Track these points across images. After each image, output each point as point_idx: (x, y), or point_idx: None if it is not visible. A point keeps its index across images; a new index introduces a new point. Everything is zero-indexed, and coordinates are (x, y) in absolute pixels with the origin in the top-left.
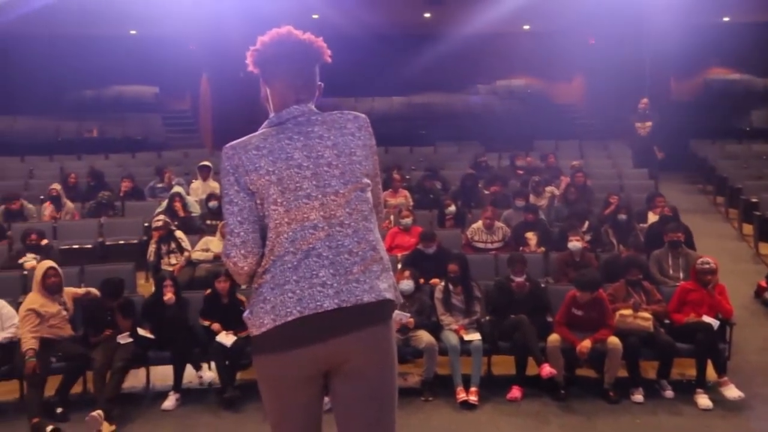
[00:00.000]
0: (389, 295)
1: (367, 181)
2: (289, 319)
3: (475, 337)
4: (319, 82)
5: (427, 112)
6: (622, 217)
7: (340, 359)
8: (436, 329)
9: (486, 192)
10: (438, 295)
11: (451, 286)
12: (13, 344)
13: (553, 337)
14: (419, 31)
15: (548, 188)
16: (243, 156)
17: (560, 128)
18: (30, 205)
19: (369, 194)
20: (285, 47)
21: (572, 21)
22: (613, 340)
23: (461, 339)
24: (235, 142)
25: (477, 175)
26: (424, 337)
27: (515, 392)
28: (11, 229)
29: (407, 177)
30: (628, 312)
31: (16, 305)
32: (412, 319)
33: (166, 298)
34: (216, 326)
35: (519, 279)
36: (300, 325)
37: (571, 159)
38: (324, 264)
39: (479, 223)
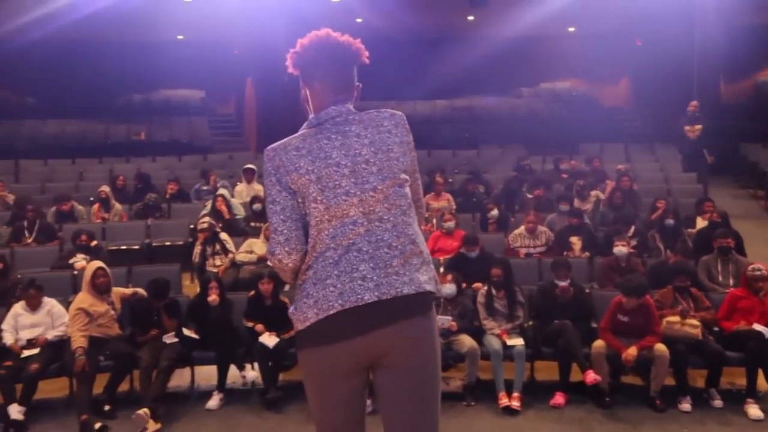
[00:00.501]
0: (429, 287)
1: (404, 176)
2: (331, 312)
3: (518, 342)
4: (358, 83)
5: (470, 115)
6: (670, 222)
7: (381, 352)
8: (478, 334)
9: (529, 196)
10: (480, 299)
11: (493, 291)
12: (64, 342)
13: (598, 344)
14: (462, 33)
15: (593, 192)
16: (283, 157)
17: (606, 131)
18: (80, 207)
19: (407, 190)
20: (324, 49)
21: (618, 22)
22: (660, 348)
23: (504, 344)
24: (275, 144)
25: (520, 178)
26: (467, 341)
27: (559, 398)
28: (62, 229)
29: (450, 180)
30: (675, 319)
31: (67, 304)
32: (454, 323)
33: (210, 299)
34: (259, 327)
35: (563, 284)
36: (341, 318)
37: (617, 162)
38: (364, 258)
39: (522, 228)
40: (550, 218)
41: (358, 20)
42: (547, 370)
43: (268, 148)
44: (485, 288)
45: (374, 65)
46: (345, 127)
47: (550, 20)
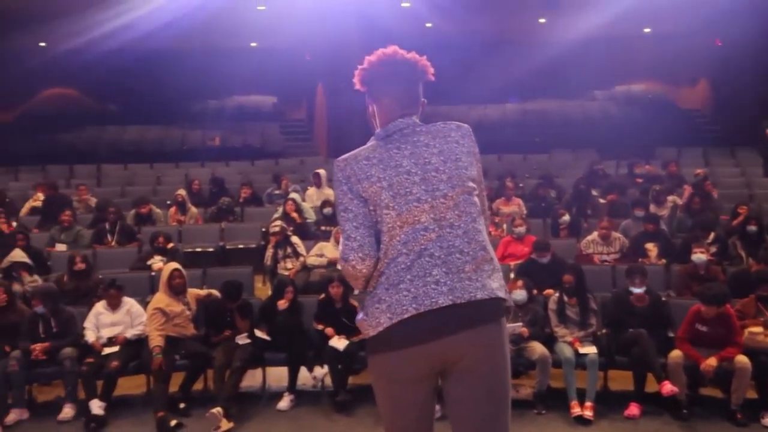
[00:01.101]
0: (501, 294)
1: (473, 185)
2: (405, 316)
3: (590, 350)
4: (423, 99)
5: (541, 118)
6: (752, 228)
7: (454, 357)
8: (549, 341)
9: (602, 201)
10: (552, 305)
11: (565, 297)
12: (142, 341)
13: (675, 354)
14: (533, 36)
15: (670, 197)
16: (354, 166)
17: (683, 134)
18: (158, 210)
19: (476, 198)
20: (391, 66)
21: (697, 22)
22: (742, 359)
23: (576, 351)
24: (345, 155)
25: (593, 183)
26: (538, 348)
27: (633, 409)
28: (141, 232)
29: (521, 185)
30: (758, 329)
31: (144, 304)
32: (525, 329)
33: (280, 303)
34: (329, 330)
35: (638, 291)
36: (415, 322)
37: (695, 167)
38: (437, 263)
39: (595, 234)
40: (625, 224)
41: (428, 25)
42: (621, 380)
43: (339, 159)
44: (557, 294)
45: (444, 69)
46: (413, 138)
47: (624, 21)
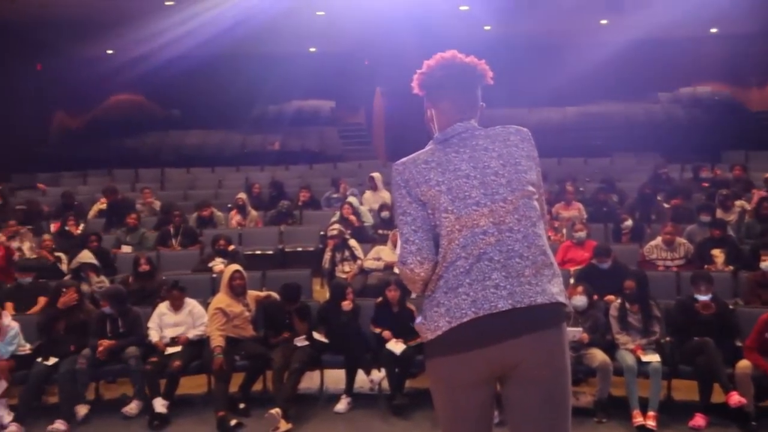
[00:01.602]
0: (561, 299)
1: (532, 189)
2: (464, 320)
3: (653, 358)
4: (482, 103)
5: (603, 121)
6: None
7: (514, 362)
8: (610, 348)
9: (666, 206)
10: (613, 312)
11: (627, 304)
12: (203, 341)
13: (743, 363)
14: (595, 38)
15: (738, 202)
16: (413, 170)
17: (751, 138)
18: (219, 213)
19: (536, 202)
20: (450, 71)
21: (765, 22)
22: None
23: (638, 359)
24: (403, 159)
25: (657, 187)
26: (598, 355)
27: (698, 420)
28: (203, 234)
29: (581, 189)
30: None
31: (206, 305)
32: (585, 335)
33: (345, 304)
34: (386, 334)
35: (704, 299)
36: (474, 326)
37: (765, 171)
38: (496, 267)
39: (658, 239)
40: (690, 229)
41: (487, 28)
42: (685, 390)
43: (397, 162)
44: (618, 301)
45: (503, 72)
46: (472, 142)
47: (690, 21)
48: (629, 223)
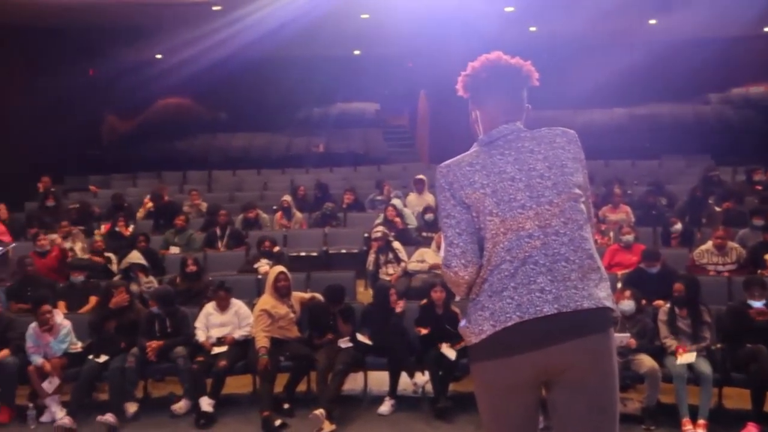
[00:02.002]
0: (608, 304)
1: (579, 192)
2: (509, 324)
3: (689, 358)
4: (527, 105)
5: (651, 123)
6: None
7: (560, 368)
8: (659, 354)
9: (717, 209)
10: (662, 317)
11: (676, 309)
12: (248, 342)
13: None
14: (643, 38)
15: None
16: (457, 172)
17: None
18: (264, 215)
19: (582, 205)
20: (495, 72)
21: None
22: None
23: (689, 366)
24: (448, 161)
25: (707, 190)
26: (646, 361)
27: (751, 429)
28: (248, 236)
29: (629, 192)
30: None
31: (251, 306)
32: (632, 340)
33: (398, 305)
34: (425, 331)
35: (758, 305)
36: (519, 330)
37: None
38: (541, 271)
39: (709, 244)
40: (742, 233)
41: (532, 29)
42: (737, 398)
43: (442, 165)
44: (667, 305)
45: (549, 73)
46: (518, 144)
47: (741, 20)
48: (679, 226)
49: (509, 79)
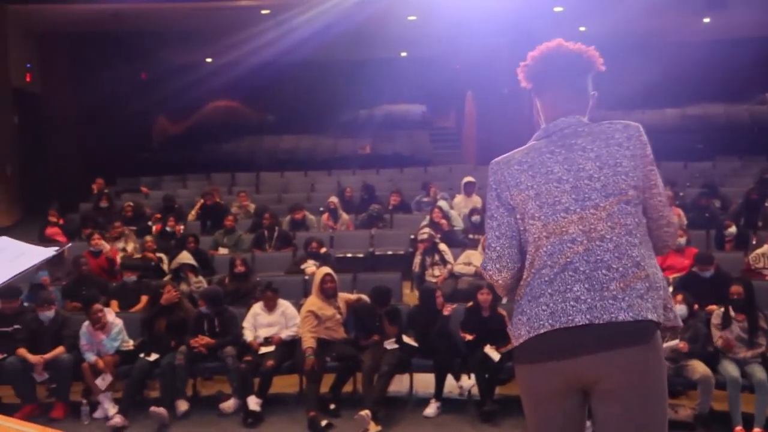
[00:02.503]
0: (651, 315)
1: (633, 193)
2: (541, 331)
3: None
4: (593, 92)
5: (704, 123)
6: None
7: (591, 378)
8: (712, 359)
9: None
10: (716, 321)
11: (732, 312)
12: (295, 342)
13: None
14: (696, 37)
15: None
16: (506, 171)
17: None
18: (311, 216)
19: (634, 208)
20: (556, 60)
21: None
22: None
23: (742, 373)
24: (501, 157)
25: (764, 192)
26: (699, 367)
27: None
28: (296, 237)
29: (681, 194)
30: None
31: (298, 306)
32: (684, 344)
33: (446, 308)
34: (469, 337)
35: None
36: (550, 339)
37: None
38: (579, 278)
39: (765, 247)
40: None
41: (582, 29)
42: None
43: (493, 161)
44: (721, 310)
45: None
46: (571, 140)
47: None
48: (733, 229)
49: (570, 66)
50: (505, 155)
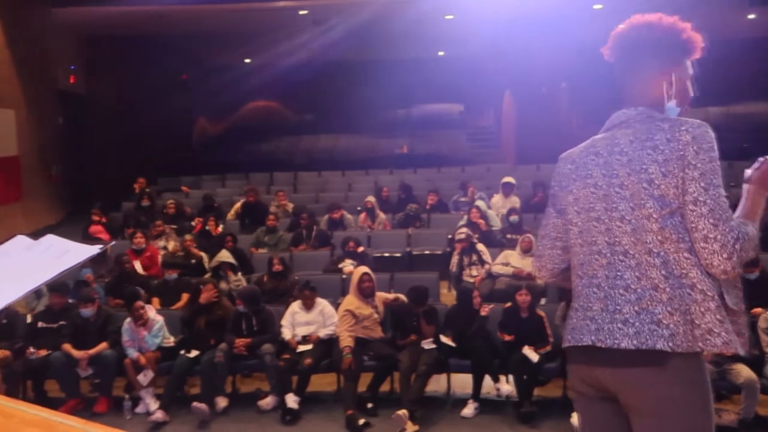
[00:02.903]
0: (662, 345)
1: (654, 206)
2: (564, 344)
3: None
4: (677, 77)
5: (749, 122)
6: None
7: (611, 389)
8: (758, 364)
9: None
10: (762, 324)
11: None
12: (333, 341)
13: None
14: (740, 33)
15: None
16: (562, 170)
17: None
18: (349, 215)
19: (658, 223)
20: (649, 35)
21: None
22: None
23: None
24: (566, 152)
25: None
26: (744, 371)
27: None
28: (333, 236)
29: (726, 195)
30: None
31: (336, 305)
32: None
33: (483, 309)
34: (509, 338)
35: None
36: (572, 349)
37: None
38: (599, 296)
39: None
40: None
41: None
42: None
43: (561, 155)
44: (767, 313)
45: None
46: (617, 140)
47: None
48: None
49: (657, 44)
50: (572, 149)
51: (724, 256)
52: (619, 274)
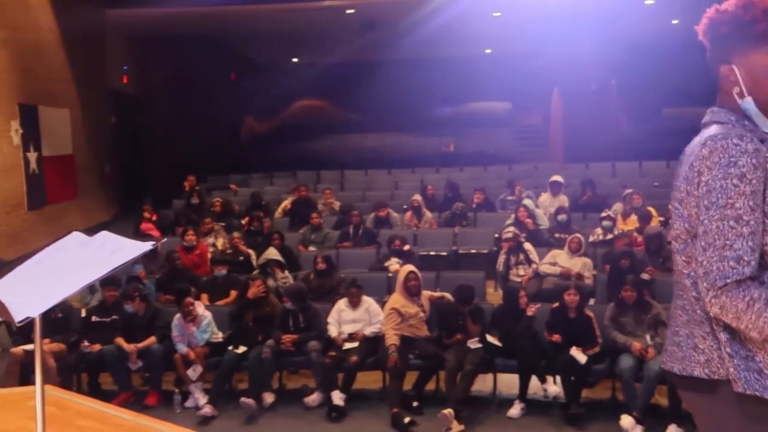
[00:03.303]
0: (700, 372)
1: (680, 227)
2: None
3: None
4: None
5: None
6: None
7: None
8: None
9: None
10: None
11: None
12: (379, 339)
13: None
14: None
15: None
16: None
17: None
18: (395, 214)
19: (684, 244)
20: (746, 16)
21: None
22: None
23: None
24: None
25: None
26: None
27: None
28: (379, 234)
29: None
30: None
31: (382, 303)
32: None
33: (529, 309)
34: (556, 338)
35: None
36: None
37: None
38: (672, 315)
39: None
40: None
41: (674, 22)
42: None
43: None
44: None
45: (694, 70)
46: (689, 146)
47: None
48: None
49: (758, 27)
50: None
51: (705, 285)
52: (680, 293)
